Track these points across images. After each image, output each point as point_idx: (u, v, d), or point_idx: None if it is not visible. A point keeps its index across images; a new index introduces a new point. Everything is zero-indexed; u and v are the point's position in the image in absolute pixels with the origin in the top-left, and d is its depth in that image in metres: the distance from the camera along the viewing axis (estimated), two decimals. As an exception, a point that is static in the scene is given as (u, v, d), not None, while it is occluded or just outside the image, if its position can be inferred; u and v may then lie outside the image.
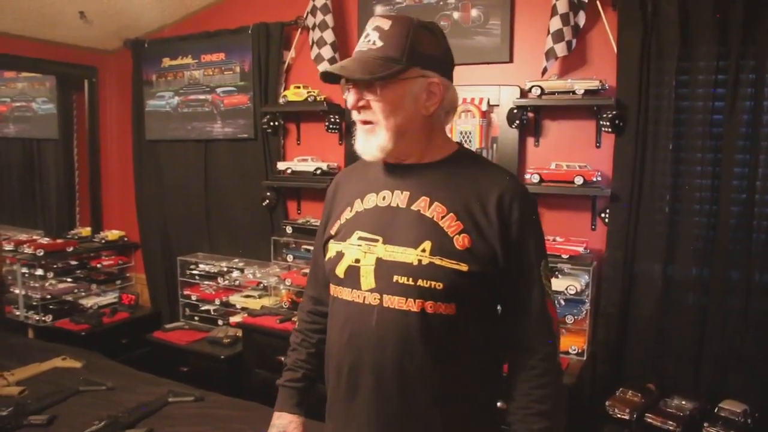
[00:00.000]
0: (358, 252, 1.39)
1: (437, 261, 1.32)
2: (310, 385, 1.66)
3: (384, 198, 1.43)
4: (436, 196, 1.38)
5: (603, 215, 3.03)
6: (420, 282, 1.32)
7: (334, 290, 1.47)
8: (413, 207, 1.39)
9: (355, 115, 1.40)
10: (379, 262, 1.36)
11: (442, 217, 1.36)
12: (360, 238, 1.40)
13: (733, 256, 2.74)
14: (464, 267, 1.32)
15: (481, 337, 1.42)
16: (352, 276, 1.40)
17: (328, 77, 1.39)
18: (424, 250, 1.33)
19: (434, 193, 1.39)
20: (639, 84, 2.84)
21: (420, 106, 1.38)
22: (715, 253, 2.77)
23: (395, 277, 1.34)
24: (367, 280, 1.37)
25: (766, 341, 2.68)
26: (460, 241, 1.33)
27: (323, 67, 1.41)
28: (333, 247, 1.47)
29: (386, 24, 1.35)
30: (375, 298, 1.36)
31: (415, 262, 1.33)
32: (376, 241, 1.38)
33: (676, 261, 2.86)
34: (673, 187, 2.83)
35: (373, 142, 1.38)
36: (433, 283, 1.32)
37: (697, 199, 2.80)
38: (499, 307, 1.47)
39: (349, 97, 1.38)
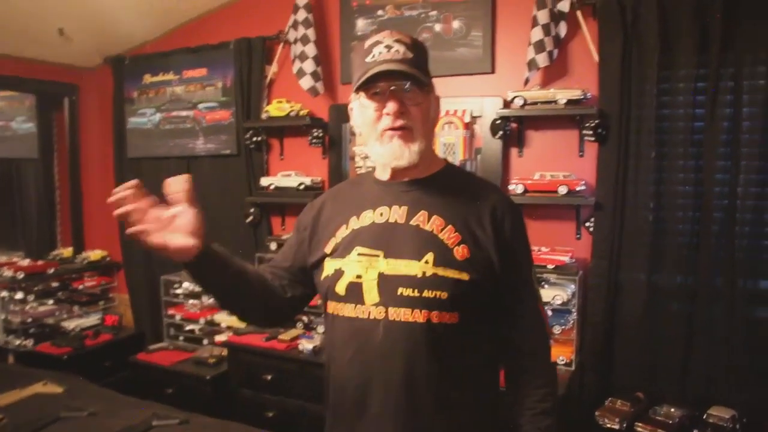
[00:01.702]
0: (359, 268, 1.41)
1: (440, 271, 1.36)
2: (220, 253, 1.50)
3: (382, 214, 1.46)
4: (434, 210, 1.43)
5: (588, 224, 3.03)
6: (425, 293, 1.35)
7: (334, 308, 1.46)
8: (412, 222, 1.42)
9: (390, 123, 1.40)
10: (382, 276, 1.38)
11: (441, 230, 1.40)
12: (360, 254, 1.42)
13: (717, 262, 2.74)
14: (465, 276, 1.36)
15: (482, 344, 1.47)
16: (354, 292, 1.40)
17: (370, 80, 1.38)
18: (427, 262, 1.36)
19: (432, 207, 1.44)
20: (621, 93, 2.86)
21: (434, 118, 1.49)
22: (700, 260, 2.78)
23: (400, 290, 1.36)
24: (371, 294, 1.38)
25: (751, 347, 2.69)
26: (460, 252, 1.38)
27: (363, 68, 1.41)
28: (330, 265, 1.47)
29: (407, 39, 1.43)
30: (380, 312, 1.37)
31: (420, 274, 1.36)
32: (377, 255, 1.40)
33: (662, 269, 2.86)
34: (657, 195, 2.84)
35: (412, 147, 1.41)
36: (438, 293, 1.35)
37: (681, 206, 2.82)
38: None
39: (391, 104, 1.38)
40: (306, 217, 1.62)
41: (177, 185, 1.35)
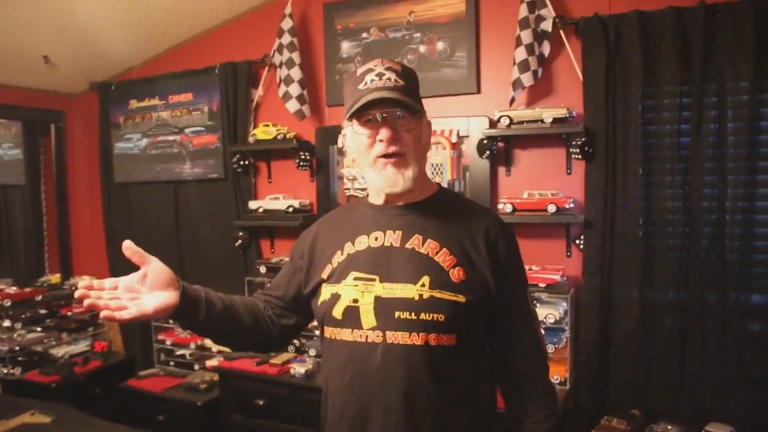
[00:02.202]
0: (355, 292, 1.42)
1: (437, 294, 1.37)
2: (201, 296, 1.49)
3: (377, 239, 1.48)
4: (429, 234, 1.45)
5: (578, 242, 3.03)
6: (423, 315, 1.36)
7: (331, 332, 1.47)
8: (407, 245, 1.44)
9: (383, 149, 1.41)
10: (378, 300, 1.39)
11: (437, 253, 1.42)
12: (356, 279, 1.43)
13: (708, 277, 2.75)
14: (462, 298, 1.38)
15: (479, 365, 1.49)
16: (352, 316, 1.41)
17: (363, 108, 1.40)
18: (423, 285, 1.38)
19: (426, 230, 1.46)
20: (606, 110, 2.88)
21: (426, 143, 1.52)
22: (691, 274, 2.79)
23: (397, 313, 1.37)
24: (368, 318, 1.39)
25: (745, 361, 2.69)
26: (456, 274, 1.40)
27: (355, 96, 1.43)
28: (327, 290, 1.48)
29: (398, 66, 1.45)
30: (378, 336, 1.38)
31: (417, 297, 1.37)
32: (373, 280, 1.41)
33: (653, 285, 2.86)
34: (646, 211, 2.85)
35: (406, 174, 1.43)
36: (435, 315, 1.36)
37: (670, 221, 2.82)
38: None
39: (384, 131, 1.40)
40: (301, 245, 1.64)
41: (129, 249, 1.34)
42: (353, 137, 1.47)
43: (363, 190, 3.33)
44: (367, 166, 1.46)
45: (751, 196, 2.68)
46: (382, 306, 1.39)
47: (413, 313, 1.36)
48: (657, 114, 2.82)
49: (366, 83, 1.41)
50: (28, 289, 4.25)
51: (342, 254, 1.49)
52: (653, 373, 2.86)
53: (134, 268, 1.36)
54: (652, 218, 2.85)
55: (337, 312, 1.43)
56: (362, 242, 1.48)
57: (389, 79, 1.41)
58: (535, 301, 2.91)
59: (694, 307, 2.78)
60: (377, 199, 1.54)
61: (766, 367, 2.66)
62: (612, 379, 2.94)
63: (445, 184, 3.20)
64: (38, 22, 3.49)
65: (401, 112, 1.41)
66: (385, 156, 1.41)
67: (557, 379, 2.89)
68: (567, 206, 2.93)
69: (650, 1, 2.80)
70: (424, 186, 1.52)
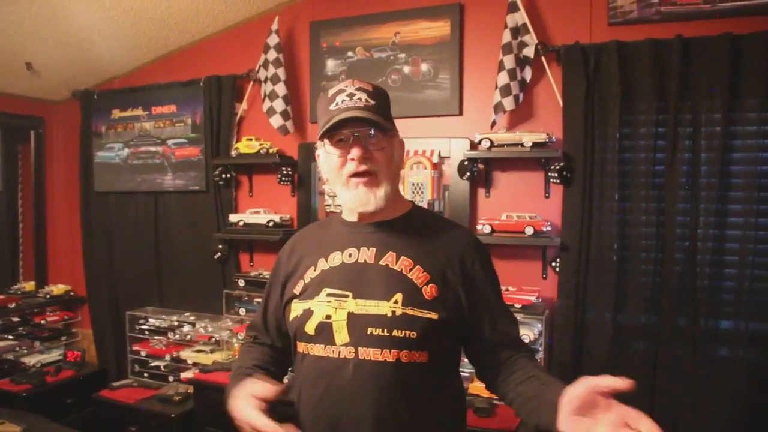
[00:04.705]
0: (328, 308, 1.42)
1: (410, 311, 1.37)
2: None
3: (350, 255, 1.48)
4: (402, 251, 1.45)
5: (554, 264, 3.08)
6: (395, 332, 1.36)
7: (304, 348, 1.47)
8: (381, 262, 1.44)
9: (354, 168, 1.42)
10: (351, 316, 1.39)
11: (410, 270, 1.42)
12: (329, 295, 1.43)
13: (679, 302, 2.81)
14: (434, 315, 1.38)
15: (450, 381, 1.49)
16: (324, 332, 1.41)
17: (334, 128, 1.41)
18: (396, 302, 1.38)
19: (400, 247, 1.46)
20: (584, 136, 2.94)
21: (399, 161, 1.53)
22: (663, 299, 2.84)
23: (369, 330, 1.37)
24: (341, 334, 1.39)
25: (715, 387, 2.74)
26: (428, 291, 1.40)
27: (327, 116, 1.44)
28: (299, 306, 1.48)
29: (368, 86, 1.47)
30: (350, 352, 1.38)
31: (389, 314, 1.37)
32: (346, 296, 1.41)
33: (626, 308, 2.91)
34: (620, 236, 2.90)
35: (377, 193, 1.44)
36: (407, 332, 1.36)
37: (643, 247, 2.88)
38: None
39: (355, 150, 1.41)
40: (281, 260, 1.64)
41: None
42: (326, 157, 1.49)
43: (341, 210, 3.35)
44: (339, 185, 1.47)
45: (722, 224, 2.76)
46: (355, 322, 1.39)
47: (385, 330, 1.36)
48: (633, 141, 2.89)
49: (337, 103, 1.43)
50: (1, 297, 4.22)
51: (315, 270, 1.50)
52: (624, 395, 2.89)
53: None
54: (626, 243, 2.91)
55: (310, 327, 1.43)
56: (336, 258, 1.49)
57: (360, 99, 1.42)
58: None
59: (665, 332, 2.83)
60: (351, 216, 1.54)
61: (734, 392, 2.71)
62: (584, 401, 2.97)
63: (425, 204, 3.24)
64: (23, 28, 3.48)
65: (372, 131, 1.42)
66: (357, 175, 1.43)
67: (531, 400, 2.92)
68: (544, 229, 2.98)
69: (629, 32, 2.89)
70: (397, 204, 1.53)
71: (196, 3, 3.54)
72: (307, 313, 1.45)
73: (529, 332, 2.89)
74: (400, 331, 1.36)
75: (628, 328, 2.91)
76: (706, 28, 2.75)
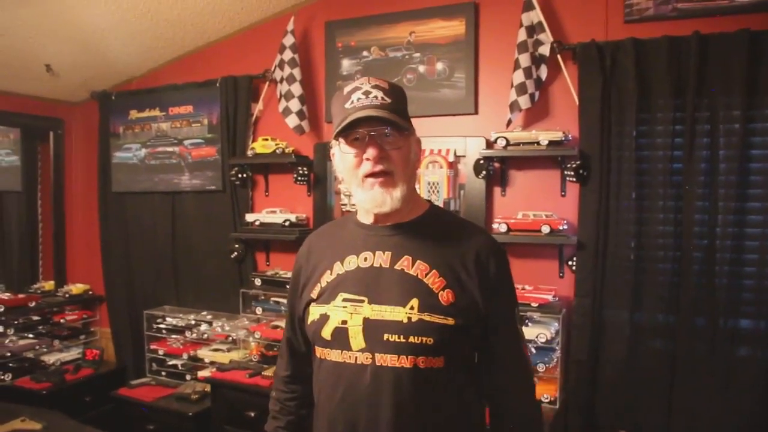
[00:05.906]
0: (344, 313, 1.41)
1: (426, 317, 1.36)
2: None
3: (366, 259, 1.46)
4: (418, 255, 1.43)
5: (570, 263, 3.06)
6: (411, 338, 1.35)
7: (321, 352, 1.47)
8: (397, 266, 1.42)
9: (370, 168, 1.39)
10: (367, 322, 1.38)
11: (426, 275, 1.40)
12: (345, 300, 1.42)
13: (697, 302, 2.79)
14: (451, 321, 1.36)
15: (467, 386, 1.47)
16: (340, 337, 1.41)
17: (349, 127, 1.39)
18: (412, 308, 1.36)
19: (416, 251, 1.43)
20: (601, 134, 2.93)
21: (416, 161, 1.49)
22: (681, 298, 2.82)
23: (386, 336, 1.36)
24: (357, 340, 1.38)
25: (733, 387, 2.72)
26: (445, 297, 1.38)
27: (342, 115, 1.42)
28: (316, 310, 1.47)
29: (384, 84, 1.43)
30: (367, 358, 1.38)
31: (405, 320, 1.36)
32: (362, 301, 1.40)
33: (643, 307, 2.89)
34: (638, 235, 2.89)
35: (394, 193, 1.41)
36: (424, 338, 1.35)
37: (661, 245, 2.86)
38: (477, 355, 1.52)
39: (371, 150, 1.38)
40: (298, 263, 1.63)
41: None
42: (341, 156, 1.45)
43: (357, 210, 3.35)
44: (354, 186, 1.44)
45: (741, 222, 2.74)
46: (371, 328, 1.38)
47: (402, 336, 1.35)
48: (650, 139, 2.87)
49: (352, 102, 1.39)
50: (21, 296, 4.27)
51: (331, 274, 1.48)
52: (642, 395, 2.89)
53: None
54: (643, 242, 2.89)
55: (326, 333, 1.42)
56: (351, 262, 1.47)
57: (376, 97, 1.39)
58: (527, 321, 2.96)
59: (683, 331, 2.81)
60: (366, 218, 1.52)
61: (753, 392, 2.69)
62: (601, 400, 2.97)
63: (440, 203, 3.24)
64: (42, 31, 3.51)
65: (389, 130, 1.39)
66: (373, 175, 1.39)
67: (547, 398, 2.92)
68: (561, 228, 2.97)
69: (646, 29, 2.87)
70: (414, 205, 1.50)
71: (212, 4, 3.56)
72: (324, 318, 1.44)
73: (546, 331, 2.89)
74: (416, 338, 1.35)
75: (646, 327, 2.89)
76: (723, 24, 2.73)
